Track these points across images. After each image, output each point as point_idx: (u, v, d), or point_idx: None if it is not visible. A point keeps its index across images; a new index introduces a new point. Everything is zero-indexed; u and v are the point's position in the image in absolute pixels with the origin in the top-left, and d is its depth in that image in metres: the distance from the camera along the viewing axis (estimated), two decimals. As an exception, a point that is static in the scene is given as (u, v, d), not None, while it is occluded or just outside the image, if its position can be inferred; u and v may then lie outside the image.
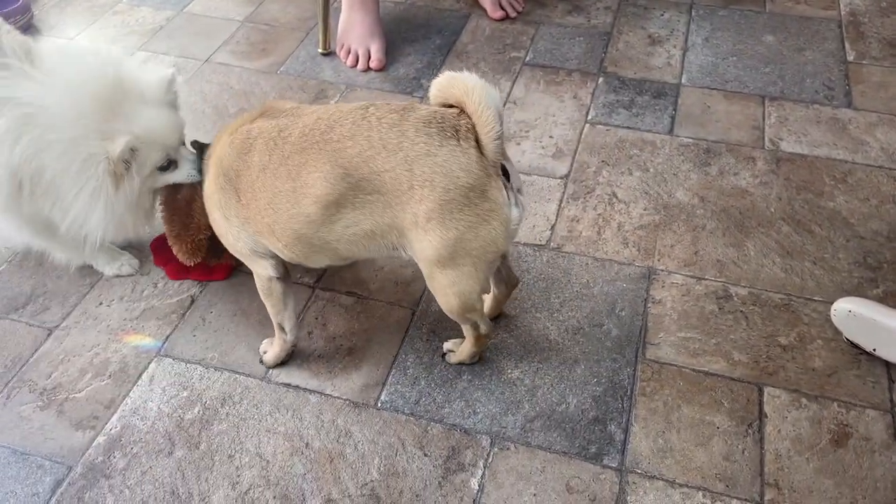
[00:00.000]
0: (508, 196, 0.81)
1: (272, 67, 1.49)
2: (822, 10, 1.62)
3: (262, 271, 0.91)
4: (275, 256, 0.90)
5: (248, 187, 0.85)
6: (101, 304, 1.06)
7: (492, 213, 0.80)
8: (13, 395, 0.94)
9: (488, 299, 1.00)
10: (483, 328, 0.92)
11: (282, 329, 0.96)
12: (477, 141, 0.79)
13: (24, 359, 0.99)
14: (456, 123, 0.79)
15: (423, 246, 0.82)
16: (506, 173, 0.82)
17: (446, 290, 0.86)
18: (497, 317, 1.03)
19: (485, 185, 0.79)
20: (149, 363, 0.98)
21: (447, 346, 1.00)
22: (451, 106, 0.81)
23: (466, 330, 0.94)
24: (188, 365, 0.98)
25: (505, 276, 0.97)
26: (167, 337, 1.01)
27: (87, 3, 1.69)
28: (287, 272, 0.93)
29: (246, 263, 0.93)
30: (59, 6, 1.68)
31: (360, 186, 0.80)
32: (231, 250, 0.92)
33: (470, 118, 0.79)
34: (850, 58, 1.48)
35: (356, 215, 0.82)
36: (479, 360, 0.98)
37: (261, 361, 0.99)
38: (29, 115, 0.86)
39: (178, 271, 1.08)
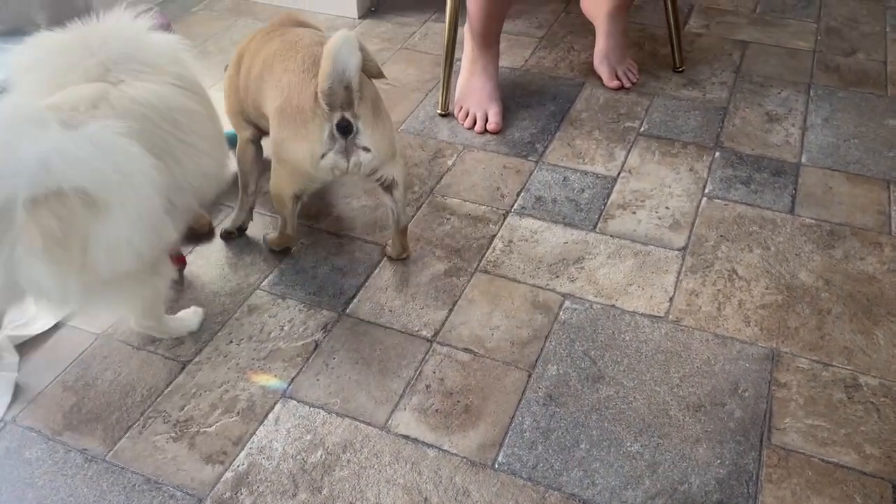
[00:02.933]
0: (329, 139, 1.02)
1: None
2: (949, 96, 1.59)
3: (243, 133, 1.23)
4: (253, 125, 1.22)
5: (247, 69, 1.16)
6: (231, 342, 1.10)
7: (304, 139, 1.02)
8: (148, 425, 0.99)
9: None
10: (287, 230, 1.19)
11: (245, 191, 1.26)
12: None
13: (159, 390, 1.03)
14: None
15: (270, 135, 1.09)
16: (348, 132, 1.02)
17: (272, 177, 1.12)
18: (405, 259, 1.24)
19: (308, 115, 1.01)
20: (275, 404, 1.02)
21: (271, 233, 1.25)
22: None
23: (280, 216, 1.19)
24: (311, 408, 1.01)
25: (395, 217, 1.18)
26: (292, 379, 1.05)
27: (221, 55, 1.81)
28: (259, 140, 1.25)
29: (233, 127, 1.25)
30: (197, 58, 1.80)
31: (268, 81, 1.10)
32: (227, 112, 1.24)
33: None
34: (982, 147, 1.44)
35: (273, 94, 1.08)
36: (285, 253, 1.24)
37: (264, 240, 1.25)
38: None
39: None
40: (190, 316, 1.12)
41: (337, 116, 1.01)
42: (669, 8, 1.64)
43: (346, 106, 1.00)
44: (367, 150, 1.04)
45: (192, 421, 0.99)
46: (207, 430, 0.98)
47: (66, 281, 0.83)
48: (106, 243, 0.83)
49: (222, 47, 1.84)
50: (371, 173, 1.09)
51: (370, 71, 1.08)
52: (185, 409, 1.01)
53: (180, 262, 1.21)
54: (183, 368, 1.06)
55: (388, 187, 1.13)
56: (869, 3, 1.96)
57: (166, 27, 1.79)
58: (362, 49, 1.00)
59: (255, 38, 1.20)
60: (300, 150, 1.03)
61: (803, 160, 1.43)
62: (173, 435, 0.98)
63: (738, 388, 1.02)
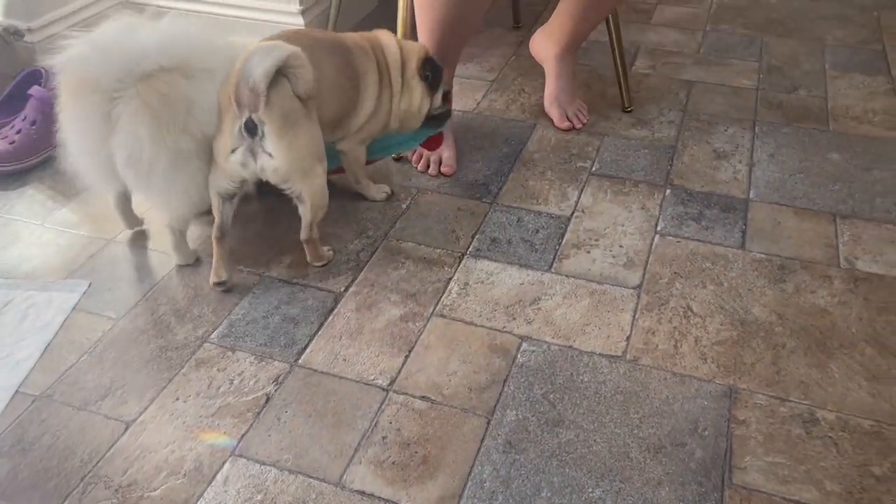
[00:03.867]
0: (238, 135, 1.12)
1: (346, 169, 1.54)
2: (887, 130, 1.64)
3: None
4: None
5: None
6: (177, 399, 1.06)
7: (221, 132, 1.15)
8: (89, 491, 0.94)
9: None
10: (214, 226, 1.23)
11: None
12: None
13: (100, 453, 0.98)
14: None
15: None
16: (253, 132, 1.12)
17: None
18: (323, 266, 1.30)
19: (224, 109, 1.14)
20: (224, 463, 0.97)
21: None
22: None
23: None
24: (263, 466, 0.97)
25: (302, 228, 1.25)
26: (242, 436, 1.01)
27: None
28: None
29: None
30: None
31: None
32: None
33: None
34: (920, 178, 1.49)
35: None
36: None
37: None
38: None
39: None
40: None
41: (245, 115, 1.11)
42: (616, 50, 1.68)
43: (254, 108, 1.10)
44: (270, 155, 1.13)
45: (136, 485, 0.94)
46: (152, 494, 0.93)
47: (162, 144, 1.11)
48: (204, 105, 1.14)
49: (171, 95, 1.81)
50: (280, 182, 1.18)
51: (296, 88, 1.13)
52: (128, 472, 0.96)
53: None
54: (126, 429, 1.02)
55: (299, 200, 1.21)
56: (808, 42, 2.03)
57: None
58: (291, 66, 1.10)
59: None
60: (217, 142, 1.16)
61: (751, 196, 1.45)
62: (115, 501, 0.93)
63: (697, 427, 1.01)
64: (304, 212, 1.22)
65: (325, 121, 1.24)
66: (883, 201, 1.43)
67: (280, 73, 1.10)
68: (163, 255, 1.31)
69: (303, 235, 1.25)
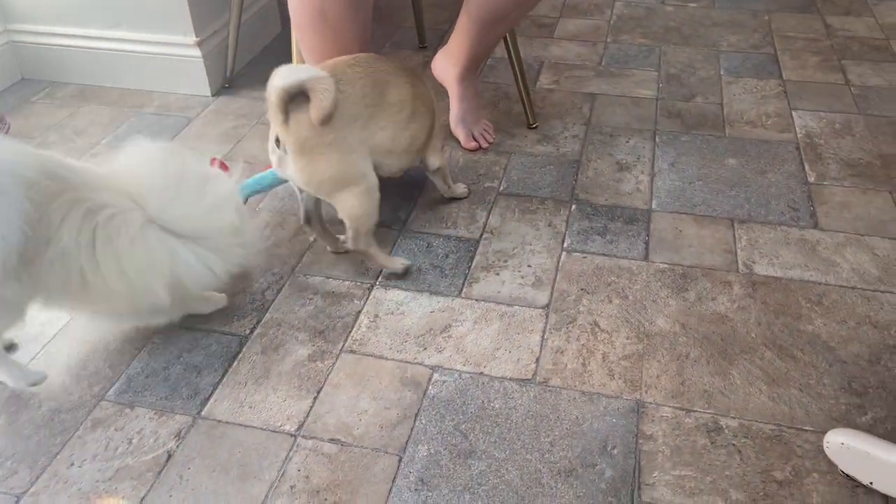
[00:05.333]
0: (275, 143, 1.20)
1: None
2: (779, 133, 1.71)
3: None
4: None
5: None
6: (72, 464, 1.01)
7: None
8: (-27, 575, 0.88)
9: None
10: None
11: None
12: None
13: (-14, 531, 0.93)
14: None
15: None
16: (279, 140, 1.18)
17: None
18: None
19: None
20: (122, 530, 0.93)
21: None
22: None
23: None
24: (164, 530, 0.93)
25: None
26: (142, 499, 0.96)
27: (64, 145, 1.71)
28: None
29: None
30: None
31: None
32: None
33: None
34: (812, 179, 1.54)
35: None
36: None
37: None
38: None
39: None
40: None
41: (277, 130, 1.18)
42: (516, 68, 1.69)
43: (276, 124, 1.17)
44: (286, 151, 1.19)
45: (26, 563, 0.89)
46: (44, 572, 0.88)
47: None
48: None
49: (65, 136, 1.74)
50: (312, 194, 1.28)
51: (311, 112, 1.14)
52: (18, 550, 0.91)
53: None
54: (17, 502, 0.96)
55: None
56: (704, 49, 2.10)
57: (0, 121, 1.69)
58: (311, 89, 1.13)
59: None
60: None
61: (653, 206, 1.48)
62: (3, 583, 0.87)
63: (607, 446, 1.02)
64: (347, 227, 1.27)
65: (401, 148, 1.30)
66: (777, 204, 1.48)
67: (305, 97, 1.14)
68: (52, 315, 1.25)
69: (349, 245, 1.29)
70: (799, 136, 1.69)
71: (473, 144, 1.66)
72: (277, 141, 1.19)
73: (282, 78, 1.12)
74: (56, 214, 0.97)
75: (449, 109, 1.71)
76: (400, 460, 1.01)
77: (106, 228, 1.00)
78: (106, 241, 1.00)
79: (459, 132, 1.68)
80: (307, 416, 1.07)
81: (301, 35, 1.43)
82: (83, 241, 0.99)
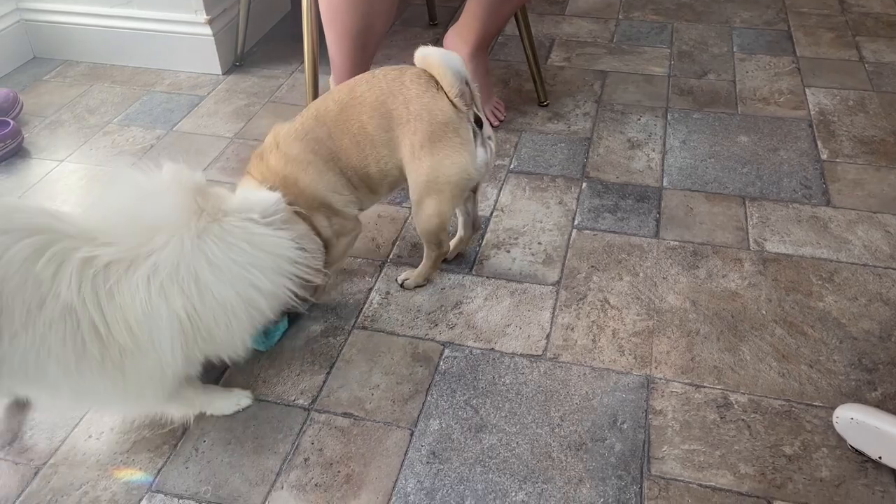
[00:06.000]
0: (476, 138, 1.08)
1: (262, 183, 1.52)
2: (792, 110, 1.69)
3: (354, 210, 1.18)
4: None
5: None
6: (90, 437, 1.03)
7: (463, 146, 1.07)
8: (-4, 543, 0.90)
9: (454, 240, 1.29)
10: (444, 248, 1.21)
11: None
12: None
13: (10, 501, 0.95)
14: (436, 80, 1.07)
15: (418, 173, 1.09)
16: (479, 123, 1.09)
17: (430, 212, 1.13)
18: (456, 256, 1.30)
19: (457, 124, 1.06)
20: (140, 500, 0.95)
21: (401, 277, 1.26)
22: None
23: (429, 252, 1.21)
24: (181, 501, 0.95)
25: (472, 219, 1.27)
26: (159, 470, 0.98)
27: (76, 124, 1.72)
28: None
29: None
30: (50, 129, 1.71)
31: (382, 124, 1.09)
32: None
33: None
34: (824, 156, 1.54)
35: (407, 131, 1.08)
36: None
37: (400, 284, 1.26)
38: None
39: None
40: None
41: (471, 114, 1.09)
42: (527, 45, 1.68)
43: (471, 102, 1.08)
44: (489, 138, 1.13)
45: (48, 532, 0.91)
46: (65, 540, 0.90)
47: None
48: None
49: (78, 115, 1.75)
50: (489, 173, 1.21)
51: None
52: (39, 519, 0.93)
53: None
54: (37, 473, 0.98)
55: (475, 188, 1.22)
56: (716, 26, 2.08)
57: (13, 100, 1.70)
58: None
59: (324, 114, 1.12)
60: (463, 158, 1.08)
61: (665, 184, 1.48)
62: (26, 551, 0.90)
63: (616, 421, 1.03)
64: (477, 196, 1.27)
65: None
66: (789, 181, 1.47)
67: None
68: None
69: (478, 223, 1.30)
70: (812, 113, 1.68)
71: (484, 122, 1.66)
72: (477, 121, 1.10)
73: (455, 60, 1.06)
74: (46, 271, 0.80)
75: (459, 87, 1.70)
76: (412, 434, 1.03)
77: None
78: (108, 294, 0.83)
79: (470, 110, 1.67)
80: (320, 390, 1.09)
81: (330, 25, 1.41)
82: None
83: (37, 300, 0.79)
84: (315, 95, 1.54)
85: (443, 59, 1.05)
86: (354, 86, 1.12)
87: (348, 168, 1.12)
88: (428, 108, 1.06)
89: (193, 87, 1.86)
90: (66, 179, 1.54)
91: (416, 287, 1.26)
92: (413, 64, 1.11)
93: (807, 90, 1.77)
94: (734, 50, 1.96)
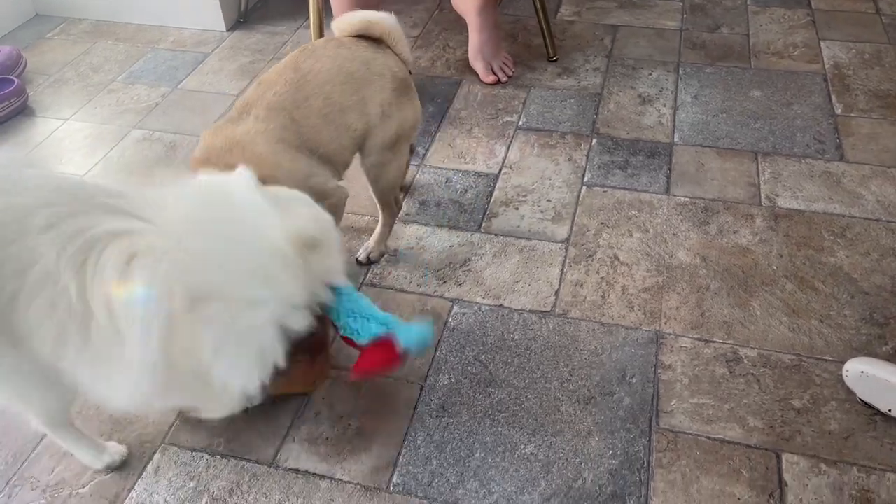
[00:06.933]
0: None
1: (268, 140, 1.50)
2: (807, 63, 1.66)
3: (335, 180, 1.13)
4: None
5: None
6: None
7: (416, 97, 1.14)
8: (15, 494, 0.92)
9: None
10: (400, 203, 1.24)
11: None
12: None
13: (25, 454, 0.96)
14: (380, 42, 1.10)
15: (388, 127, 1.09)
16: None
17: (397, 164, 1.15)
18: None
19: (409, 78, 1.12)
20: (153, 453, 0.96)
21: (362, 255, 1.23)
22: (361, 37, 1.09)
23: (390, 211, 1.21)
24: (194, 453, 0.96)
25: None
26: (171, 423, 0.99)
27: (81, 82, 1.71)
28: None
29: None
30: (54, 87, 1.69)
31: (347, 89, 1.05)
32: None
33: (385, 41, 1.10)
34: (838, 111, 1.51)
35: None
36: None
37: (364, 262, 1.23)
38: None
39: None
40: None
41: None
42: (536, -1, 1.65)
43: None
44: None
45: (64, 483, 0.93)
46: (81, 491, 0.92)
47: None
48: None
49: (81, 73, 1.74)
50: None
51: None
52: (56, 471, 0.94)
53: None
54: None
55: None
56: (730, -21, 2.03)
57: (17, 58, 1.68)
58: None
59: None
60: (418, 108, 1.15)
61: (676, 139, 1.46)
62: (44, 501, 0.91)
63: (625, 376, 1.03)
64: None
65: None
66: (803, 136, 1.45)
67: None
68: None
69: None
70: (827, 66, 1.65)
71: (493, 78, 1.64)
72: None
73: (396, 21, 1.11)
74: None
75: (468, 42, 1.68)
76: (421, 389, 1.03)
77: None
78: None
79: (478, 66, 1.65)
80: (330, 346, 1.09)
81: None
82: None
83: None
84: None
85: (395, 22, 1.10)
86: (296, 64, 1.03)
87: (320, 145, 1.02)
88: (388, 66, 1.08)
89: (197, 44, 1.83)
90: (71, 138, 1.53)
91: (380, 256, 1.23)
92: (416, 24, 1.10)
93: (822, 43, 1.73)
94: (748, 2, 1.91)
